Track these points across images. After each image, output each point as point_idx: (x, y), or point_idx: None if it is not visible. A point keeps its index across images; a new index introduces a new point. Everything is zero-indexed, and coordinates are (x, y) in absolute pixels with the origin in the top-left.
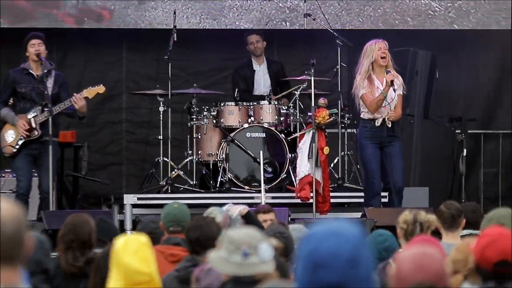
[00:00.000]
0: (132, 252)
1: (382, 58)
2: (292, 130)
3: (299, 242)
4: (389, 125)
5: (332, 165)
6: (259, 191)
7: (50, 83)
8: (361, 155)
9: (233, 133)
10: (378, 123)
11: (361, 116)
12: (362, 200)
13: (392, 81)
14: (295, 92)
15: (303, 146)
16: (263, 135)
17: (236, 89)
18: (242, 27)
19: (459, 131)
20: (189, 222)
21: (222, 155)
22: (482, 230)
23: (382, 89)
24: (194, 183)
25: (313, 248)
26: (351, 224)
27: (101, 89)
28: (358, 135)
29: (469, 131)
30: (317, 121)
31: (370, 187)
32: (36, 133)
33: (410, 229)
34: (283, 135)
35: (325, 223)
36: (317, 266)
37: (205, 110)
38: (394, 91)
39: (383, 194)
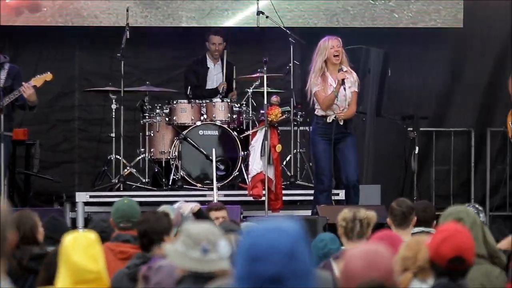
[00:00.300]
0: (80, 250)
1: (335, 56)
2: (244, 128)
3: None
4: (341, 123)
5: (284, 162)
6: (212, 189)
7: (3, 75)
8: (313, 151)
9: (186, 131)
10: (329, 119)
11: (315, 112)
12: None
13: (343, 80)
14: (248, 90)
15: (256, 144)
16: (216, 132)
17: (189, 87)
18: (196, 25)
19: (411, 129)
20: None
21: (174, 153)
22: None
23: (334, 89)
24: (147, 181)
25: (252, 242)
26: (291, 220)
27: (48, 76)
28: (310, 131)
29: (421, 129)
30: (270, 119)
31: (319, 183)
32: None
33: (350, 227)
34: (235, 133)
35: (265, 220)
36: (255, 259)
37: (158, 107)
38: (345, 90)
39: (338, 191)
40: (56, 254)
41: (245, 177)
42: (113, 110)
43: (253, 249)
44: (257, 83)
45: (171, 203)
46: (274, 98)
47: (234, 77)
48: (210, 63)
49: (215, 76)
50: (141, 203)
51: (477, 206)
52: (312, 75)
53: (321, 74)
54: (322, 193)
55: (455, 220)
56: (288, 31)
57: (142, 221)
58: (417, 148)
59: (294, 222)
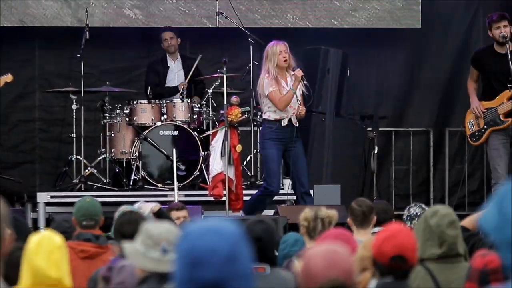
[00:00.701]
0: (44, 254)
1: (284, 61)
2: (205, 128)
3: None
4: (296, 125)
5: (244, 163)
6: (172, 189)
7: None
8: (264, 154)
9: (146, 131)
10: (284, 123)
11: (266, 117)
12: (275, 197)
13: (302, 76)
14: (208, 90)
15: (216, 144)
16: (176, 133)
17: (149, 87)
18: (155, 26)
19: (370, 128)
20: (120, 218)
21: (135, 153)
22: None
23: (291, 87)
24: (108, 181)
25: (191, 245)
26: (230, 222)
27: (9, 77)
28: (261, 135)
29: (380, 129)
30: (230, 119)
31: (270, 186)
32: None
33: (311, 226)
34: (196, 133)
35: (203, 221)
36: (194, 263)
37: (118, 108)
38: (306, 86)
39: (291, 198)
40: (17, 254)
41: (206, 177)
42: (74, 111)
43: (192, 253)
44: (217, 83)
45: (132, 203)
46: (234, 99)
47: (200, 69)
48: (170, 62)
49: (176, 74)
50: (102, 203)
51: (422, 205)
52: (265, 77)
53: (273, 78)
54: (269, 196)
55: (449, 222)
56: (247, 32)
57: (127, 222)
58: (376, 148)
59: (232, 223)
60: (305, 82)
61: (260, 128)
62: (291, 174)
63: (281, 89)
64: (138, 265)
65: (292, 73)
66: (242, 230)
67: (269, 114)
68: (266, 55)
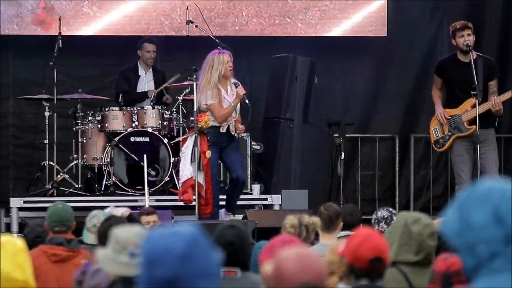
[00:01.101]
0: (8, 258)
1: (230, 71)
2: (175, 134)
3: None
4: (233, 132)
5: None
6: (143, 194)
7: None
8: None
9: (118, 138)
10: (223, 129)
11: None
12: (244, 202)
13: (244, 95)
14: (178, 97)
15: (186, 150)
16: (147, 139)
17: (120, 94)
18: (129, 34)
19: (337, 135)
20: (105, 222)
21: (106, 159)
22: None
23: (232, 103)
24: (80, 186)
25: (150, 246)
26: (192, 226)
27: None
28: None
29: (346, 135)
30: (199, 126)
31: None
32: None
33: (297, 233)
34: (166, 139)
35: (168, 227)
36: (152, 262)
37: (90, 115)
38: (247, 103)
39: (267, 196)
40: None
41: (176, 182)
42: (47, 117)
43: (150, 253)
44: (187, 90)
45: (104, 208)
46: (204, 105)
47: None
48: (141, 71)
49: (146, 84)
50: (74, 208)
51: (390, 209)
52: (206, 86)
53: (214, 87)
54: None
55: (432, 231)
56: (217, 40)
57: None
58: (343, 153)
59: (192, 226)
60: (246, 100)
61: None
62: (224, 164)
63: (221, 99)
64: (108, 270)
65: (233, 81)
66: (202, 233)
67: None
68: (211, 63)
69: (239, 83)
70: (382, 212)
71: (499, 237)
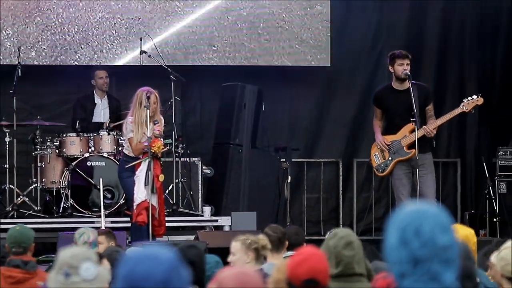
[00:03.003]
0: None
1: (153, 111)
2: None
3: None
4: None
5: (167, 191)
6: (99, 216)
7: None
8: (123, 184)
9: (75, 162)
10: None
11: (124, 151)
12: (196, 223)
13: (160, 134)
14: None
15: (140, 174)
16: (103, 163)
17: (77, 121)
18: (85, 64)
19: (284, 159)
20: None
21: (64, 182)
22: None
23: (148, 136)
24: (39, 208)
25: (129, 270)
26: (166, 248)
27: None
28: (119, 166)
29: (293, 160)
30: (153, 151)
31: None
32: None
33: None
34: None
35: (143, 247)
36: (131, 287)
37: (49, 140)
38: (164, 141)
39: (217, 218)
40: None
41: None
42: (7, 143)
43: (130, 277)
44: None
45: (62, 229)
46: (157, 131)
47: (121, 111)
48: (97, 99)
49: (102, 111)
50: (34, 230)
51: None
52: (130, 120)
53: (138, 123)
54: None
55: (346, 243)
56: (169, 69)
57: None
58: (289, 177)
59: (169, 250)
60: (160, 139)
61: (185, 159)
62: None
63: (141, 134)
64: None
65: (155, 119)
66: (178, 256)
67: (128, 151)
68: (140, 100)
69: (158, 121)
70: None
71: (406, 258)
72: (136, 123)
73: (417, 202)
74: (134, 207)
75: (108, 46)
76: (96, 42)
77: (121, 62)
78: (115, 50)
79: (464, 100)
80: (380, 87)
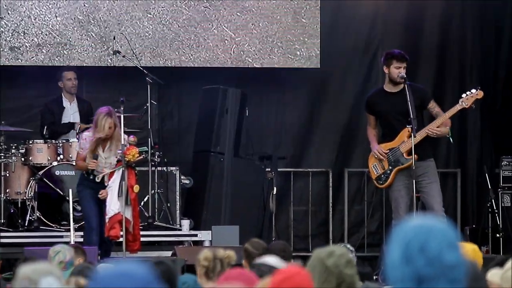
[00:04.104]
0: None
1: (106, 135)
2: None
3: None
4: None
5: (142, 203)
6: (68, 230)
7: None
8: (80, 197)
9: (42, 171)
10: (98, 179)
11: None
12: (173, 238)
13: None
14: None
15: (113, 184)
16: (73, 173)
17: (45, 126)
18: (55, 64)
19: (269, 169)
20: None
21: (30, 193)
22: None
23: (103, 159)
24: (2, 221)
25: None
26: (140, 265)
27: None
28: (78, 182)
29: (279, 169)
30: (127, 159)
31: (90, 223)
32: None
33: (211, 266)
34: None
35: (116, 264)
36: None
37: (13, 147)
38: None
39: (196, 232)
40: None
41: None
42: None
43: None
44: None
45: (28, 244)
46: (132, 138)
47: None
48: (66, 103)
49: (71, 116)
50: None
51: (348, 246)
52: (87, 137)
53: (93, 141)
54: (93, 231)
55: (347, 260)
56: (145, 71)
57: None
58: (275, 188)
59: (143, 266)
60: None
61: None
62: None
63: (95, 152)
64: None
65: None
66: (151, 272)
67: None
68: (95, 123)
69: (117, 141)
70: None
71: (409, 276)
72: (89, 142)
73: (422, 216)
74: (106, 220)
75: (78, 45)
76: (65, 41)
77: (91, 62)
78: (85, 49)
79: (462, 96)
80: (371, 91)
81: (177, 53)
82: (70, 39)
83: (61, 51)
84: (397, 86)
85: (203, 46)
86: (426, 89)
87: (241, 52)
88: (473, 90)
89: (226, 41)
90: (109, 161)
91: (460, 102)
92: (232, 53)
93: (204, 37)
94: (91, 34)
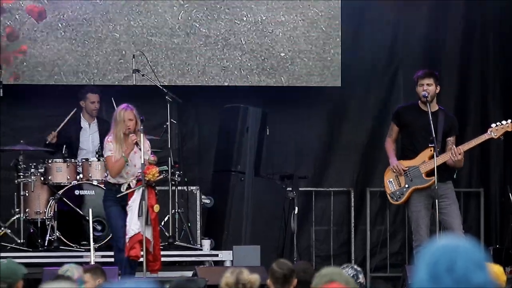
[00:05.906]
0: None
1: (128, 128)
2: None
3: None
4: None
5: (162, 223)
6: (88, 250)
7: None
8: (108, 216)
9: (62, 191)
10: (123, 189)
11: (107, 179)
12: (194, 258)
13: (136, 143)
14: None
15: (133, 204)
16: (92, 192)
17: (64, 146)
18: (74, 84)
19: (290, 188)
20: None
21: (50, 213)
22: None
23: (122, 154)
24: (22, 241)
25: None
26: (147, 283)
27: None
28: (103, 196)
29: (300, 189)
30: (147, 179)
31: (119, 242)
32: None
33: None
34: None
35: (121, 283)
36: None
37: (33, 167)
38: (140, 150)
39: (218, 252)
40: None
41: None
42: None
43: None
44: None
45: (48, 264)
46: (152, 157)
47: None
48: (84, 123)
49: (90, 136)
50: None
51: (355, 267)
52: (110, 141)
53: (118, 141)
54: (121, 252)
55: (328, 281)
56: (164, 90)
57: None
58: (296, 208)
59: (149, 284)
60: (139, 147)
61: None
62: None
63: (121, 155)
64: None
65: (136, 138)
66: None
67: (109, 177)
68: (115, 118)
69: (139, 143)
70: (346, 270)
71: None
72: (114, 141)
73: (448, 235)
74: (127, 240)
75: (98, 64)
76: (85, 60)
77: (111, 81)
78: (105, 68)
79: (492, 125)
80: (404, 103)
81: (197, 71)
82: (89, 58)
83: (80, 69)
84: (429, 106)
85: (222, 64)
86: (456, 122)
87: (261, 70)
88: (504, 122)
89: (245, 59)
90: (134, 163)
91: (489, 132)
92: (253, 71)
93: (223, 55)
94: (110, 52)
